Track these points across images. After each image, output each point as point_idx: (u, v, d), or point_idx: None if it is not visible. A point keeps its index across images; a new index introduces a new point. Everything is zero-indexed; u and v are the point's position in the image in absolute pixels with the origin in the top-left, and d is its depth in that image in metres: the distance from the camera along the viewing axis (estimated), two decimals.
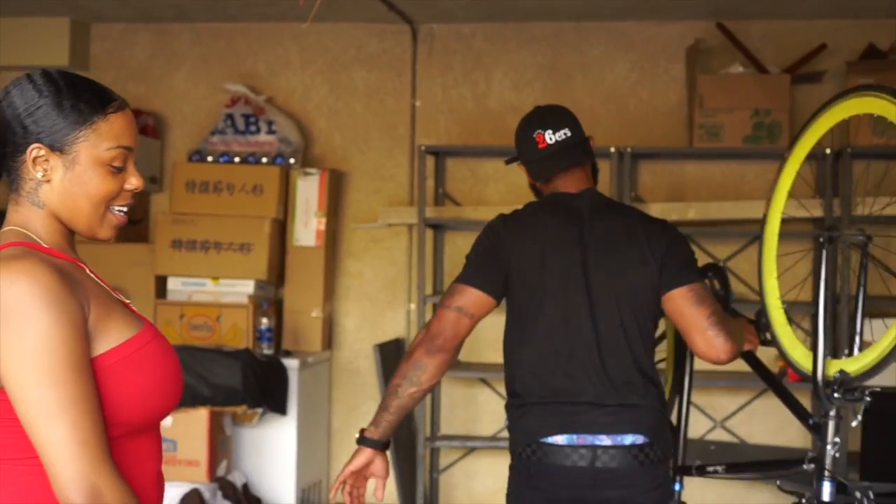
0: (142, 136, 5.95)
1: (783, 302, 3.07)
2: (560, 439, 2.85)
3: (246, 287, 5.72)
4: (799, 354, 2.96)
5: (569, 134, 3.13)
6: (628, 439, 2.86)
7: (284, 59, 6.15)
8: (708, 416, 5.86)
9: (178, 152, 6.14)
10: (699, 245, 5.81)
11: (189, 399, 5.04)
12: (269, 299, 5.79)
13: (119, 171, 1.87)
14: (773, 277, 3.19)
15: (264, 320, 5.64)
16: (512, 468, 2.99)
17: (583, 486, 2.84)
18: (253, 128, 5.89)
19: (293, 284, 5.84)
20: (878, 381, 5.22)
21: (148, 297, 5.77)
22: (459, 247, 5.96)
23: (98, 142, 1.84)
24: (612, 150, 5.51)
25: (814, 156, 5.57)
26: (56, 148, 1.82)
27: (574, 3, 5.55)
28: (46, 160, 1.82)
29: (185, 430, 5.03)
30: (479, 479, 6.01)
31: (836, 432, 2.86)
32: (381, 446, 2.86)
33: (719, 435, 5.84)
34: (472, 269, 2.99)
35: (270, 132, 5.88)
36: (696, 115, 5.44)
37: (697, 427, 5.86)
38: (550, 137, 3.12)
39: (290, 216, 5.82)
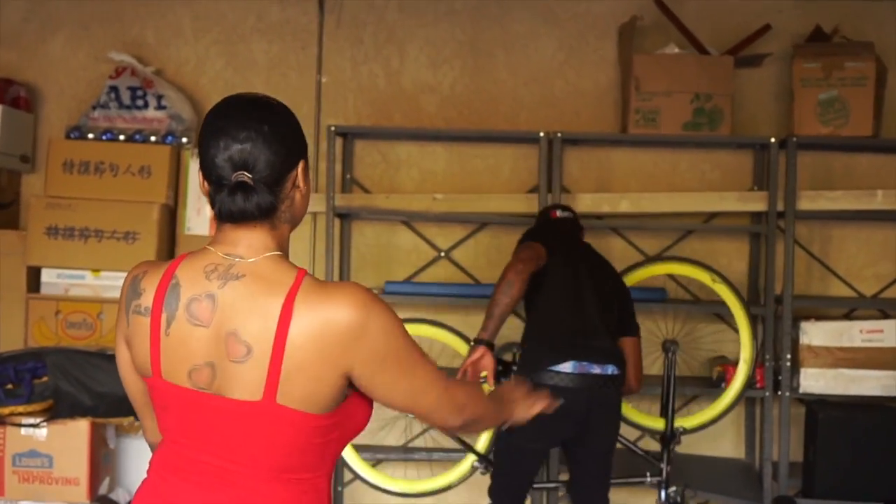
0: (13, 110, 5.47)
1: None
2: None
3: None
4: (651, 422, 4.95)
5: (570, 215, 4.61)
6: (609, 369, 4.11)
7: (176, 27, 5.70)
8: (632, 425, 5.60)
9: (54, 128, 5.64)
10: (629, 240, 5.55)
11: (67, 409, 4.60)
12: None
13: None
14: None
15: None
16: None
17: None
18: (140, 102, 5.43)
19: None
20: (827, 388, 5.02)
21: (18, 291, 5.29)
22: (368, 238, 5.59)
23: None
24: (542, 134, 5.19)
25: (754, 145, 5.37)
26: (306, 159, 2.01)
27: None
28: (304, 172, 2.01)
29: (63, 445, 4.59)
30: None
31: (668, 460, 4.71)
32: (489, 345, 3.88)
33: (648, 444, 5.58)
34: (533, 236, 4.36)
35: (160, 107, 5.42)
36: (631, 99, 5.14)
37: (627, 435, 5.59)
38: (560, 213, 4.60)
39: (182, 201, 5.40)
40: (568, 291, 4.20)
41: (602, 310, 4.22)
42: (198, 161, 2.00)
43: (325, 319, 1.87)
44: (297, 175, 1.98)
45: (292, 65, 5.68)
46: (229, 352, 1.88)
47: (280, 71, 5.68)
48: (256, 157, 1.91)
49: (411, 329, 4.73)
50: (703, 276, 4.96)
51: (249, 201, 1.90)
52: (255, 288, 1.89)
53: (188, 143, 5.41)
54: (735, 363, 5.13)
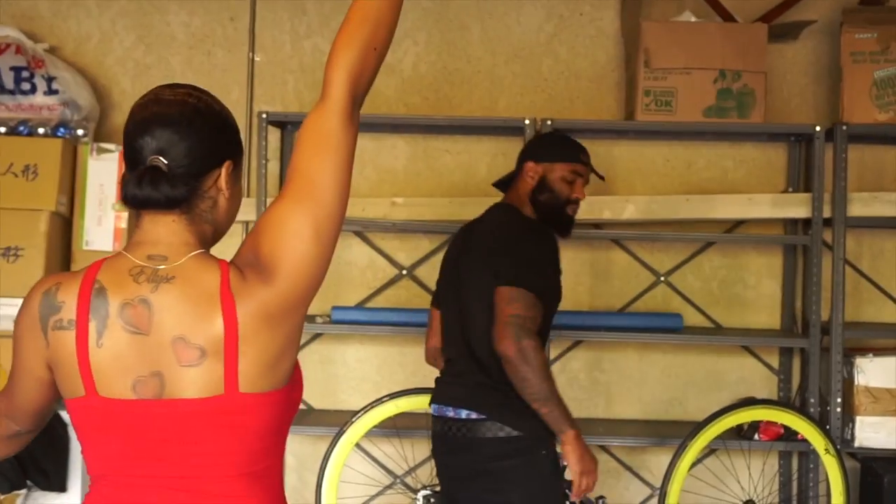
0: None
1: None
2: None
3: (13, 308, 4.22)
4: None
5: None
6: None
7: None
8: (644, 482, 4.59)
9: None
10: (634, 254, 4.55)
11: None
12: None
13: None
14: None
15: None
16: None
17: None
18: (26, 86, 4.43)
19: None
20: (889, 441, 4.06)
21: None
22: None
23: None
24: (527, 122, 4.17)
25: (789, 136, 4.41)
26: (236, 163, 1.93)
27: None
28: (230, 176, 1.92)
29: None
30: None
31: None
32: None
33: None
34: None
35: (51, 92, 4.42)
36: (639, 78, 4.13)
37: (636, 494, 4.59)
38: None
39: (78, 209, 4.42)
40: (445, 314, 3.48)
41: (462, 329, 3.33)
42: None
43: (263, 301, 1.84)
44: (220, 175, 1.89)
45: (219, 41, 4.68)
46: (179, 358, 1.81)
47: (204, 48, 4.68)
48: (176, 144, 1.85)
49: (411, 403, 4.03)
50: (818, 441, 4.01)
51: (158, 190, 1.83)
52: (187, 289, 1.83)
53: (85, 135, 4.41)
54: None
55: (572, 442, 3.09)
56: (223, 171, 1.88)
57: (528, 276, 3.17)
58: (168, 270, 1.84)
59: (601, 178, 3.56)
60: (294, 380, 1.91)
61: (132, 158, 1.86)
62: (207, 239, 1.91)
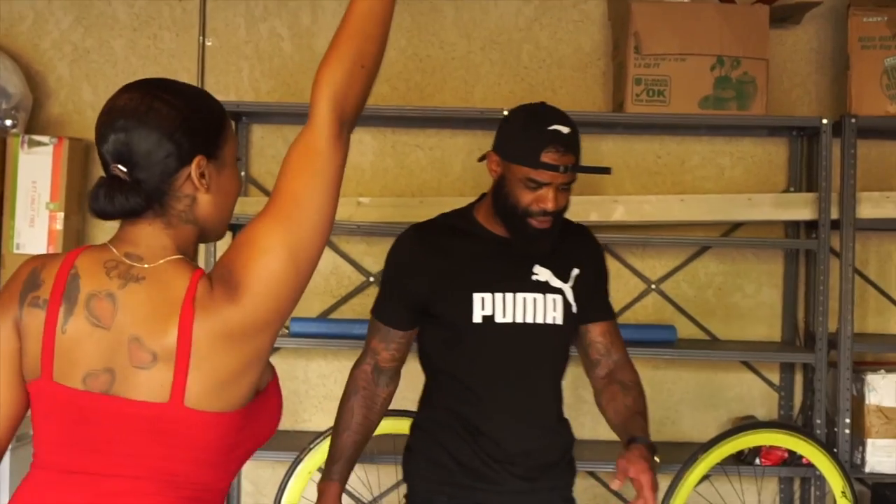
0: None
1: None
2: None
3: None
4: None
5: None
6: None
7: None
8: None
9: None
10: (624, 261, 4.24)
11: None
12: None
13: None
14: None
15: None
16: None
17: None
18: None
19: None
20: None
21: None
22: None
23: (233, 135, 1.96)
24: (506, 113, 3.84)
25: (791, 130, 4.13)
26: (212, 156, 1.89)
27: None
28: (204, 171, 1.88)
29: None
30: None
31: None
32: None
33: None
34: None
35: None
36: (629, 65, 3.81)
37: None
38: None
39: (8, 208, 4.09)
40: None
41: None
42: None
43: (225, 318, 1.79)
44: (193, 175, 1.85)
45: (166, 23, 4.35)
46: (132, 358, 1.81)
47: (149, 31, 4.34)
48: (132, 149, 1.83)
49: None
50: (836, 481, 3.69)
51: (112, 203, 1.82)
52: (153, 293, 1.83)
53: (14, 126, 4.07)
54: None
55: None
56: (193, 167, 1.85)
57: (377, 300, 2.83)
58: (141, 271, 1.85)
59: (604, 172, 2.79)
60: (258, 408, 1.86)
61: (102, 166, 1.88)
62: (190, 241, 1.89)
